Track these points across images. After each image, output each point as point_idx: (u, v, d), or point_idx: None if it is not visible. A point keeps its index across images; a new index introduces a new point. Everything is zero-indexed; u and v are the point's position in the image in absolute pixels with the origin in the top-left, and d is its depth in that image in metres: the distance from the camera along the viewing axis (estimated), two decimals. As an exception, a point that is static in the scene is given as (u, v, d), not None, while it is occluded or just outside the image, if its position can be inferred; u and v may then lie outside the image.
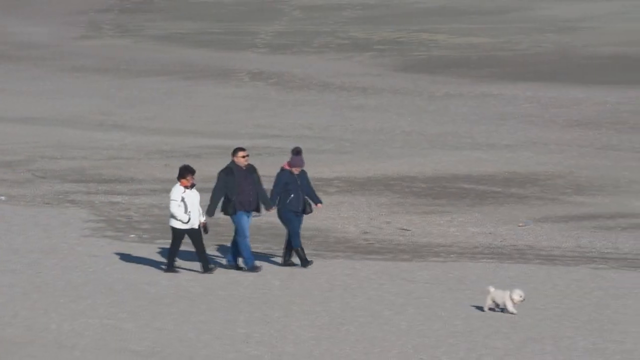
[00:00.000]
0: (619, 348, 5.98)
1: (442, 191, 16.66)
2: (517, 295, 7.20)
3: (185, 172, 9.66)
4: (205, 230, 9.80)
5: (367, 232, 12.84)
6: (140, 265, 10.26)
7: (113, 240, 12.13)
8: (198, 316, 7.20)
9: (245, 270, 9.83)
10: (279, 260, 10.46)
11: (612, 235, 12.70)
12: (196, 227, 9.59)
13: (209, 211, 9.90)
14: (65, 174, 18.39)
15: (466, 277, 9.70)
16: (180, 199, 9.46)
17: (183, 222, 9.48)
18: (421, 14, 42.42)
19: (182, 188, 9.56)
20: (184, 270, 9.81)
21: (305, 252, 10.06)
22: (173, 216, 9.55)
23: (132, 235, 12.50)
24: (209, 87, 31.19)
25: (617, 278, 9.72)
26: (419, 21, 40.85)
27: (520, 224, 13.42)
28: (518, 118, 25.97)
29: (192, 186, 9.62)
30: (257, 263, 9.89)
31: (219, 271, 9.74)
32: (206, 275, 9.49)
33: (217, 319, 7.05)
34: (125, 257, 10.67)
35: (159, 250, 11.03)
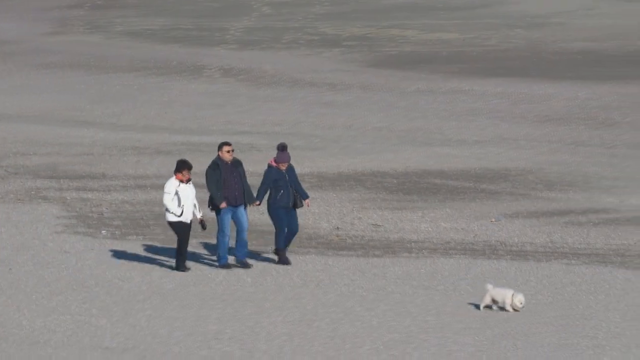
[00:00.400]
0: (590, 343, 6.02)
1: (413, 187, 16.78)
2: (519, 301, 7.20)
3: (182, 166, 9.57)
4: (203, 226, 9.81)
5: (339, 228, 12.87)
6: (112, 262, 10.16)
7: (85, 236, 12.01)
8: (170, 312, 7.15)
9: (217, 267, 9.80)
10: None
11: (584, 231, 12.88)
12: (188, 222, 9.56)
13: (218, 200, 9.70)
14: (37, 170, 18.15)
15: (438, 272, 9.76)
16: (173, 192, 9.44)
17: (176, 215, 9.42)
18: (391, 10, 42.56)
19: (176, 182, 9.50)
20: (157, 267, 9.76)
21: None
22: (167, 209, 9.53)
23: (104, 232, 12.38)
24: (181, 83, 30.97)
25: (589, 273, 9.84)
26: (389, 17, 40.97)
27: (492, 220, 13.55)
28: (488, 114, 26.24)
29: (187, 181, 9.55)
30: (230, 261, 9.85)
31: (191, 267, 9.71)
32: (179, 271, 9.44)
33: (190, 316, 7.00)
34: (97, 253, 10.57)
35: (132, 246, 10.97)
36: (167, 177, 9.92)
